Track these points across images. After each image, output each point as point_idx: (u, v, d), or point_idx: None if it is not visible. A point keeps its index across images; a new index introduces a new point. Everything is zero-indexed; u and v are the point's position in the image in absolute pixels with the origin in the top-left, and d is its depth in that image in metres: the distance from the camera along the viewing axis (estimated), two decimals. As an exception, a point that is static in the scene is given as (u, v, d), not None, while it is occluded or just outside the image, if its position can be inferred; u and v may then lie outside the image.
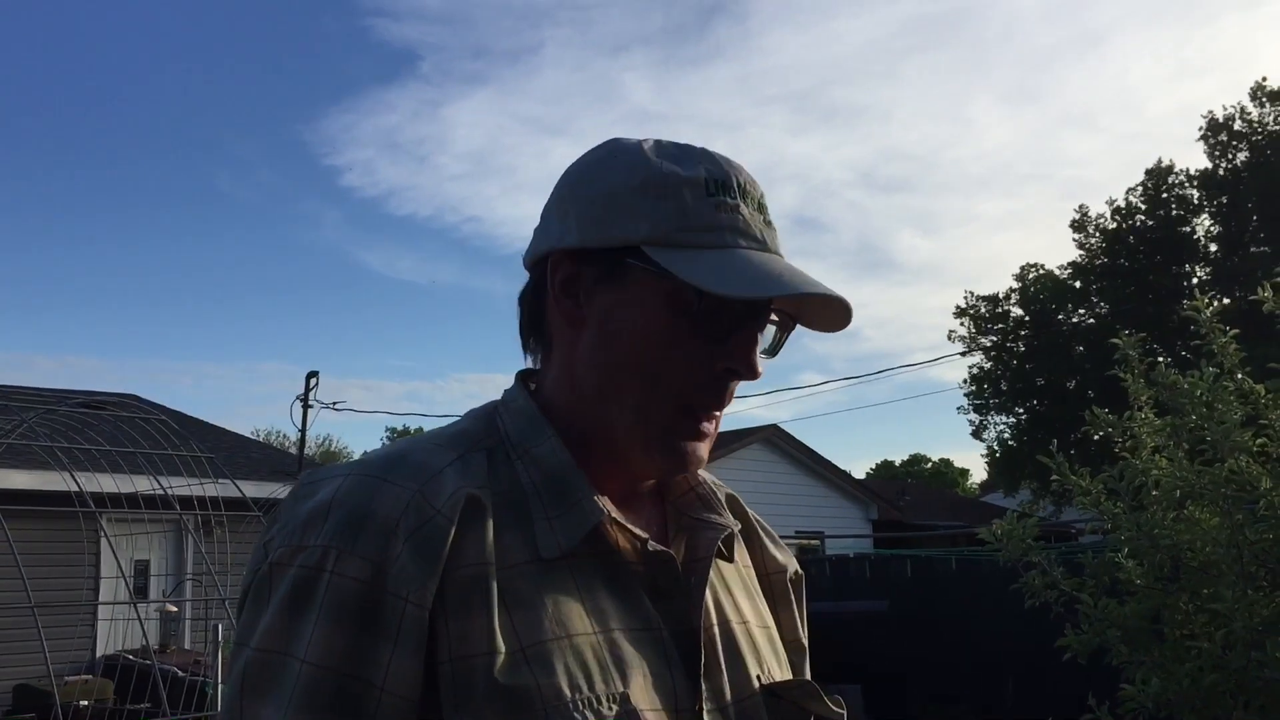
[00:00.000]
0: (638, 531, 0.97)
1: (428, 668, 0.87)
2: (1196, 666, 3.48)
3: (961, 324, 29.37)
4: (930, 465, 64.38)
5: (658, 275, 0.95)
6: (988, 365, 28.82)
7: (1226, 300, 24.55)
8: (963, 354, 28.60)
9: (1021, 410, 28.58)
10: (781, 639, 1.13)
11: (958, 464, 65.13)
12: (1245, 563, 3.60)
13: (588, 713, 0.87)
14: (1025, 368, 27.81)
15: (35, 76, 65.80)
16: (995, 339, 28.76)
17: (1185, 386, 4.10)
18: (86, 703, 9.36)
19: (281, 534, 0.91)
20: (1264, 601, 3.49)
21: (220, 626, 7.79)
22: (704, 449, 1.00)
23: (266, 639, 0.87)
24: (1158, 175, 26.78)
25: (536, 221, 1.06)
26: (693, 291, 0.93)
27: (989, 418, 29.80)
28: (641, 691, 0.91)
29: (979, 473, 48.21)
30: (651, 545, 0.97)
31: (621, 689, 0.90)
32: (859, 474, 30.92)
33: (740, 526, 1.11)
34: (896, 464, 64.35)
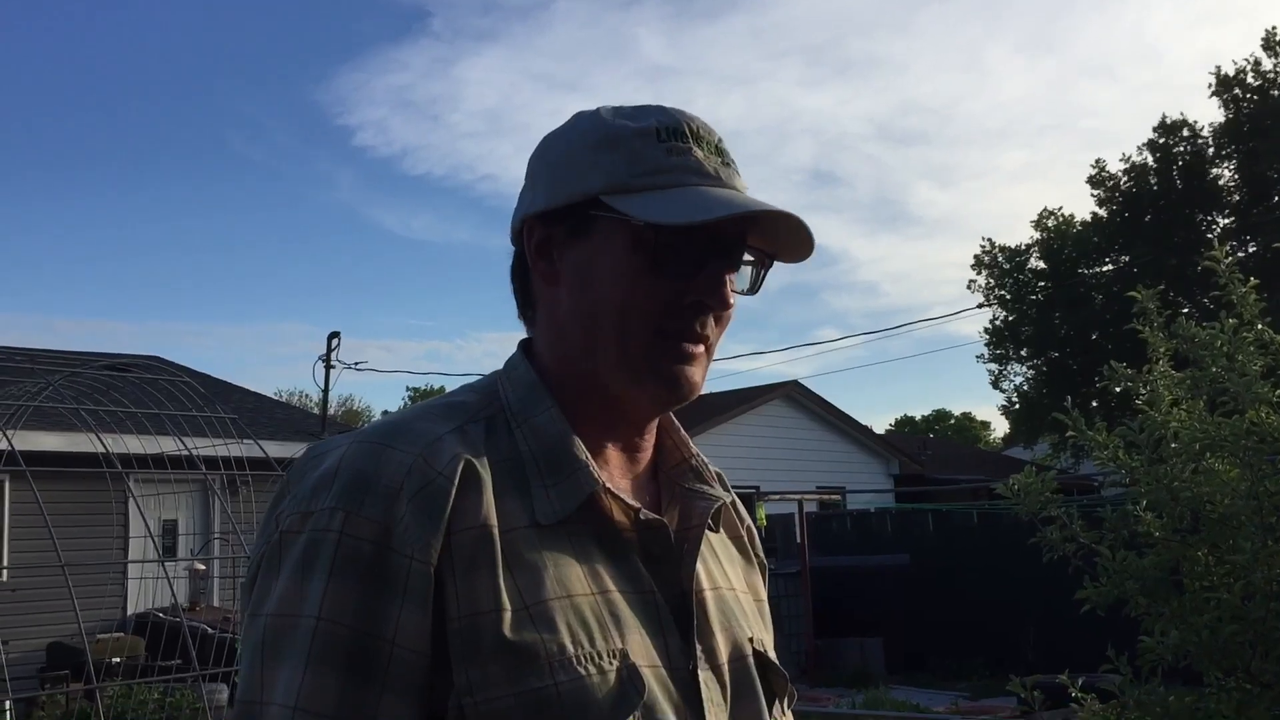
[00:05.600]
0: (631, 501, 1.01)
1: (436, 626, 0.91)
2: (1215, 618, 3.49)
3: (980, 275, 29.21)
4: (953, 420, 64.27)
5: (617, 220, 1.00)
6: (1009, 317, 28.69)
7: (1252, 248, 24.34)
8: (980, 307, 28.46)
9: (1041, 362, 28.47)
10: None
11: (980, 418, 65.03)
12: (1265, 514, 3.60)
13: (590, 666, 0.92)
14: (1046, 319, 27.66)
15: (53, 45, 65.79)
16: (1013, 291, 28.58)
17: (1205, 338, 4.08)
18: (118, 659, 9.53)
19: (290, 503, 0.95)
20: (1284, 552, 3.48)
21: (247, 584, 7.90)
22: (695, 373, 1.03)
23: (280, 604, 0.91)
24: (1170, 129, 26.44)
25: None
26: (648, 228, 0.99)
27: (1008, 368, 29.70)
28: (639, 648, 0.95)
29: (1001, 426, 48.11)
30: (644, 514, 1.02)
31: (620, 645, 0.94)
32: (880, 429, 30.87)
33: (731, 499, 1.15)
34: (918, 419, 64.27)
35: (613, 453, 1.06)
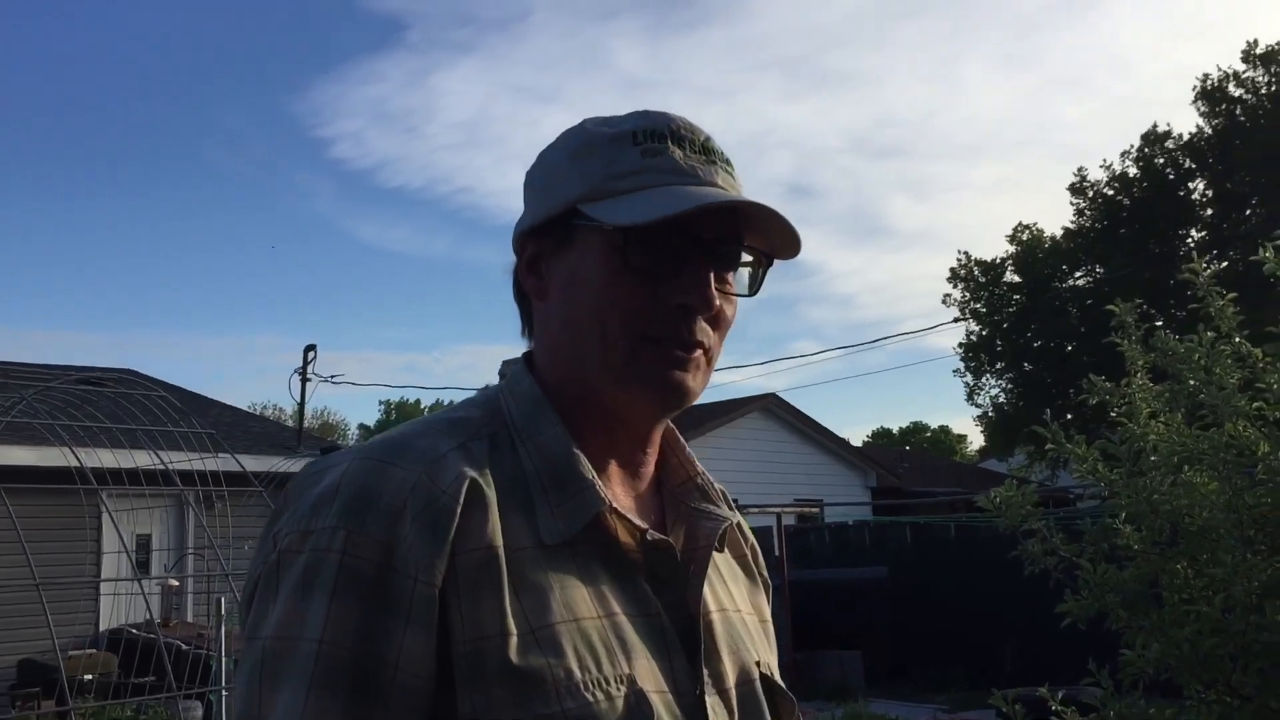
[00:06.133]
0: (637, 522, 0.99)
1: (440, 649, 0.89)
2: (1196, 631, 3.50)
3: (955, 288, 29.35)
4: (929, 433, 64.51)
5: (593, 228, 0.99)
6: (984, 331, 28.82)
7: (1223, 264, 24.55)
8: (956, 320, 28.57)
9: (1016, 375, 28.60)
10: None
11: (956, 430, 65.29)
12: (1245, 527, 3.61)
13: (598, 692, 0.90)
14: (1020, 332, 27.80)
15: (27, 51, 65.31)
16: (988, 304, 28.72)
17: (1183, 351, 4.10)
18: (91, 676, 9.42)
19: (290, 522, 0.93)
20: (1262, 566, 3.50)
21: (223, 600, 7.82)
22: (689, 378, 1.01)
23: (279, 627, 0.89)
24: (1152, 140, 26.67)
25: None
26: (618, 231, 0.97)
27: (984, 381, 29.82)
28: (646, 673, 0.93)
29: (977, 439, 48.31)
30: (651, 535, 1.00)
31: (628, 670, 0.92)
32: (857, 442, 30.97)
33: (737, 519, 1.12)
34: (894, 431, 64.48)
35: (615, 469, 1.04)
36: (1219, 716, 3.48)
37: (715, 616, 1.04)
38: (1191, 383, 4.01)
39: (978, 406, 30.25)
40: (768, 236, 1.02)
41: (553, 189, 1.03)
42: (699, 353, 1.01)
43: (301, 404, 16.18)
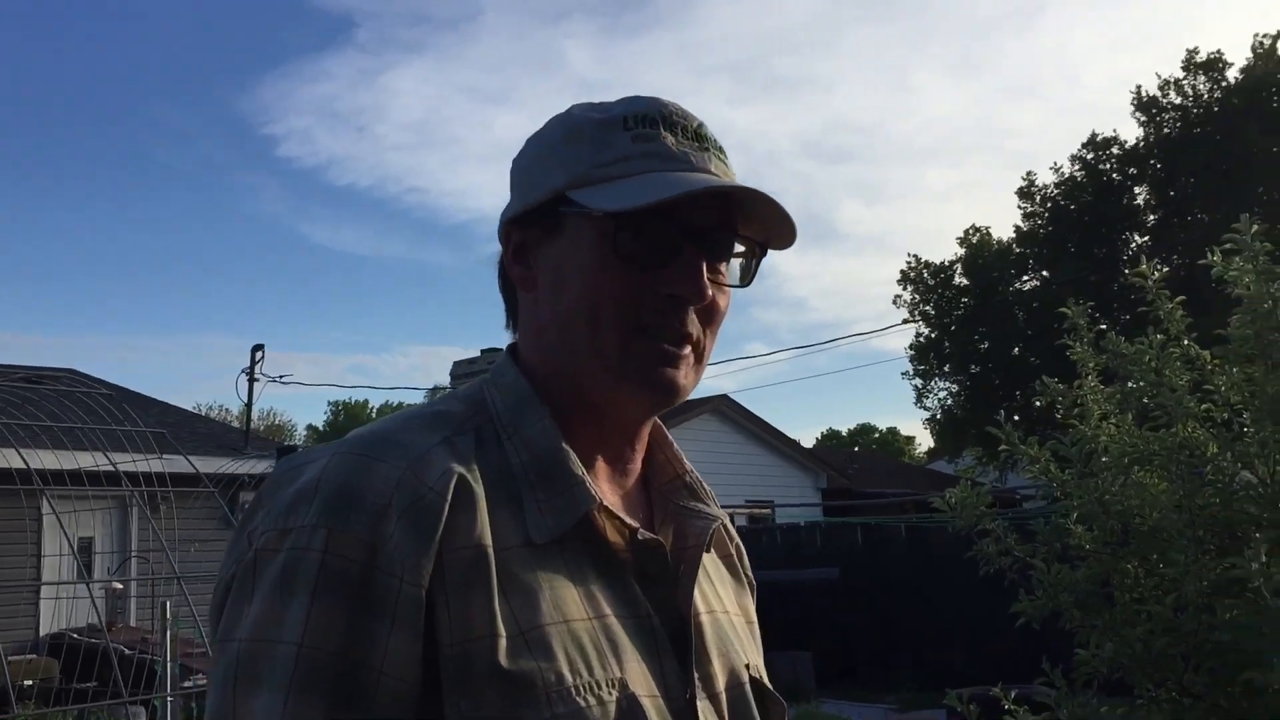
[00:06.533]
0: (628, 520, 0.96)
1: (427, 650, 0.85)
2: (1148, 630, 3.53)
3: (906, 290, 29.59)
4: (878, 434, 65.03)
5: (583, 215, 0.95)
6: (933, 333, 29.09)
7: (1166, 269, 24.96)
8: (906, 322, 28.81)
9: (964, 377, 28.89)
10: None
11: (904, 432, 65.89)
12: (1196, 527, 3.66)
13: (589, 697, 0.87)
14: (968, 335, 28.10)
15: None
16: (937, 307, 29.00)
17: (1133, 353, 4.15)
18: (31, 682, 9.22)
19: (266, 519, 0.89)
20: (1212, 565, 3.54)
21: (169, 603, 7.69)
22: (680, 375, 0.97)
23: (256, 629, 0.85)
24: (1096, 146, 27.08)
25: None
26: (608, 218, 0.94)
27: (933, 384, 30.09)
28: (637, 677, 0.91)
29: (925, 441, 48.80)
30: (641, 534, 0.97)
31: (619, 674, 0.89)
32: (807, 443, 31.13)
33: (727, 517, 1.10)
34: (844, 433, 64.93)
35: (602, 466, 1.01)
36: (1170, 715, 3.51)
37: (705, 618, 1.01)
38: (1142, 384, 4.05)
39: (926, 409, 30.54)
40: (762, 225, 0.99)
41: (540, 176, 1.00)
42: (688, 348, 0.98)
43: (249, 405, 15.96)
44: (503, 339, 1.08)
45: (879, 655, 12.78)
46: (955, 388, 29.47)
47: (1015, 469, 21.28)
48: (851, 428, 66.48)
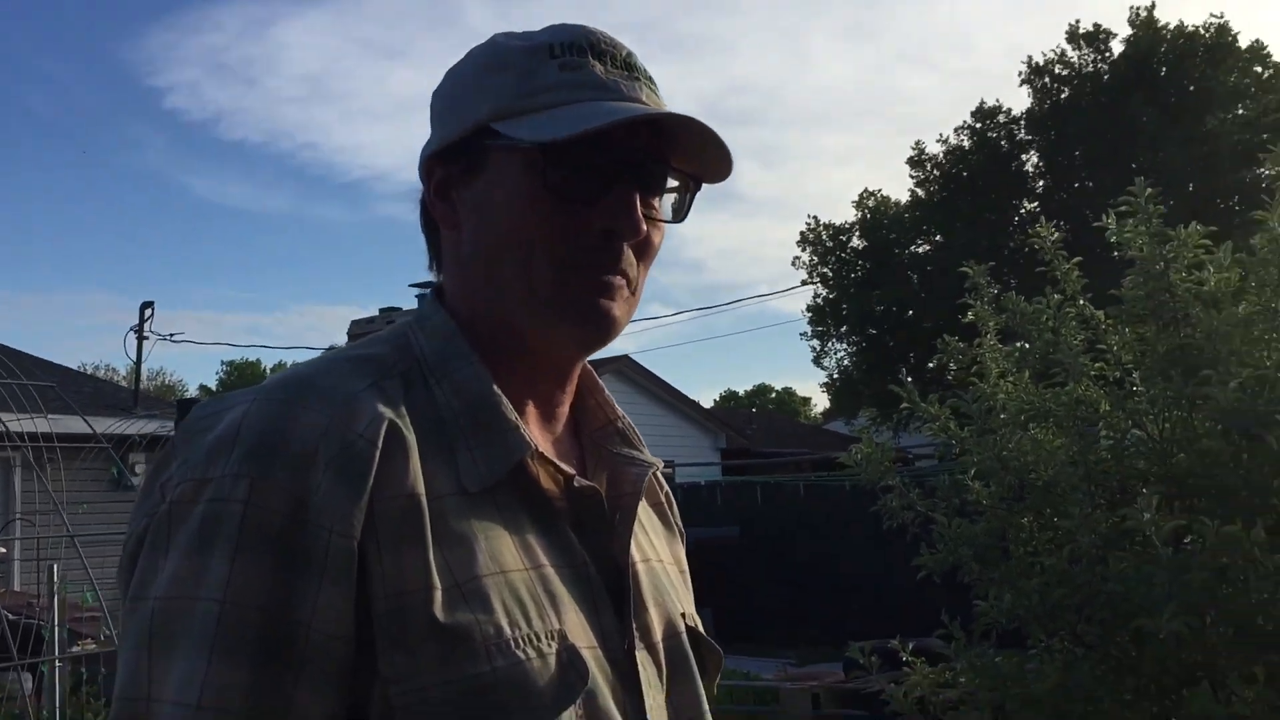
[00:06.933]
0: (564, 467, 0.93)
1: (359, 605, 0.81)
2: (1043, 582, 3.64)
3: (805, 252, 29.93)
4: (774, 395, 65.91)
5: (509, 147, 0.91)
6: (830, 295, 29.50)
7: (1055, 234, 25.62)
8: (804, 284, 29.18)
9: (860, 339, 29.38)
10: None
11: (800, 393, 66.90)
12: (1090, 481, 3.77)
13: (529, 649, 0.84)
14: (865, 297, 28.55)
15: None
16: (835, 269, 29.40)
17: (1031, 313, 4.25)
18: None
19: (182, 469, 0.83)
20: (1104, 519, 3.66)
21: (55, 566, 7.44)
22: (615, 309, 0.93)
23: (172, 586, 0.79)
24: (984, 115, 27.63)
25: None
26: (536, 149, 0.90)
27: (830, 345, 30.55)
28: (576, 629, 0.88)
29: (821, 402, 49.63)
30: (578, 482, 0.94)
31: (558, 626, 0.86)
32: (706, 404, 31.37)
33: (663, 465, 1.08)
34: (741, 394, 65.65)
35: (532, 411, 0.97)
36: (1063, 664, 3.63)
37: (640, 567, 0.98)
38: (1040, 343, 4.16)
39: (824, 369, 31.01)
40: (696, 157, 0.95)
41: (462, 107, 0.95)
42: (624, 281, 0.94)
43: (138, 363, 15.48)
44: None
45: (779, 612, 13.01)
46: (852, 349, 29.97)
47: (909, 429, 21.76)
48: (749, 389, 67.28)
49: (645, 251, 0.96)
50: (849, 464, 4.21)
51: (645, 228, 0.93)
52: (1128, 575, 3.32)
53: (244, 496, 0.80)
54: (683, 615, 1.02)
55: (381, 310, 17.21)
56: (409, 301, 15.98)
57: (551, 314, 0.92)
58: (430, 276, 1.03)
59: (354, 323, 17.41)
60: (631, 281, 0.95)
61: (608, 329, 0.94)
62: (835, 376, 30.83)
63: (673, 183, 0.96)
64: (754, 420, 29.69)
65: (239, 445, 0.82)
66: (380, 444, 0.83)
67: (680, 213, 0.98)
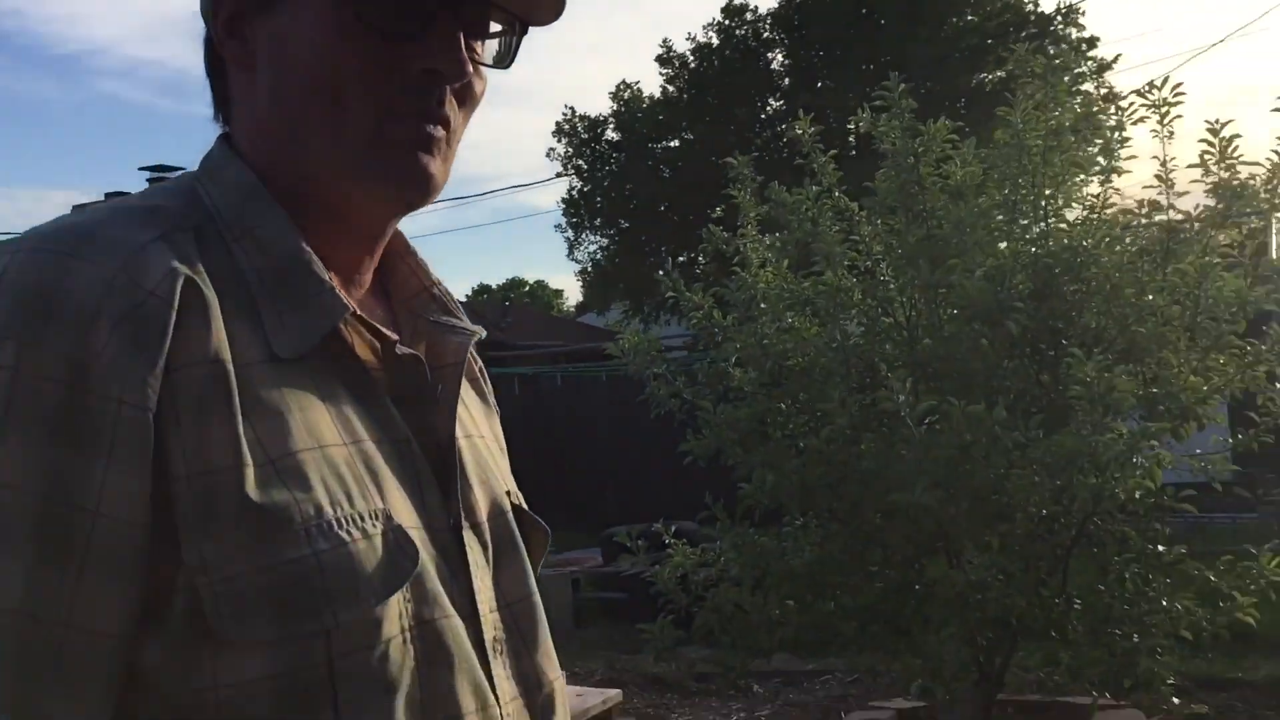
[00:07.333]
0: (387, 332, 0.84)
1: (157, 486, 0.71)
2: (802, 463, 3.80)
3: (560, 143, 29.77)
4: (528, 288, 65.98)
5: None
6: (585, 187, 29.54)
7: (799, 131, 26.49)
8: (559, 175, 29.09)
9: (614, 231, 29.65)
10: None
11: (553, 285, 67.25)
12: (847, 366, 3.93)
13: (353, 530, 0.75)
14: (619, 189, 28.76)
15: None
16: (590, 161, 29.44)
17: (792, 202, 4.36)
18: None
19: None
20: (857, 401, 3.84)
21: None
22: (434, 163, 0.84)
23: None
24: (732, 12, 28.04)
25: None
26: None
27: (584, 237, 30.68)
28: (400, 507, 0.80)
29: (574, 294, 50.10)
30: (400, 349, 0.85)
31: (381, 505, 0.78)
32: (459, 297, 30.99)
33: (484, 333, 0.99)
34: (494, 286, 65.34)
35: (335, 278, 0.85)
36: (819, 540, 3.82)
37: (463, 443, 0.91)
38: (800, 232, 4.27)
39: (578, 262, 31.16)
40: (528, 3, 0.87)
41: None
42: (445, 132, 0.85)
43: None
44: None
45: (537, 501, 13.00)
46: (606, 241, 30.22)
47: (659, 320, 22.25)
48: (502, 282, 67.00)
49: (467, 98, 0.87)
50: (615, 354, 4.23)
51: (470, 69, 0.84)
52: (880, 453, 3.49)
53: (11, 363, 0.68)
54: (507, 493, 0.96)
55: (108, 195, 16.06)
56: (137, 185, 14.95)
57: (365, 168, 0.82)
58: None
59: (75, 208, 16.18)
60: (452, 132, 0.86)
61: (428, 187, 0.84)
62: (589, 269, 31.06)
63: (496, 27, 0.87)
64: (508, 313, 29.62)
65: (2, 303, 0.70)
66: (176, 302, 0.73)
67: (506, 58, 0.89)
